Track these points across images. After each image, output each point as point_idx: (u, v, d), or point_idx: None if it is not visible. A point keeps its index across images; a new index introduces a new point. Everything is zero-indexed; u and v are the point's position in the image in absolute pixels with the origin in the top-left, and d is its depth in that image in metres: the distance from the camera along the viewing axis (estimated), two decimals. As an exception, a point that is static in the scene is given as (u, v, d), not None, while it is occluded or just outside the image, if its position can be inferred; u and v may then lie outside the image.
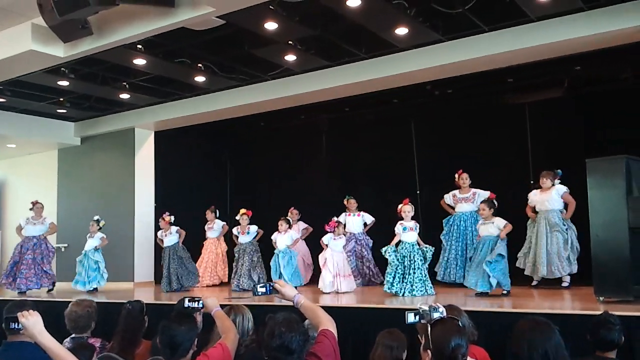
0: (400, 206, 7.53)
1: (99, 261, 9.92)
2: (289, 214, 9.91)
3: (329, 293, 7.77)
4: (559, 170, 7.58)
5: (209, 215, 10.53)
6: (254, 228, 9.37)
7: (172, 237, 9.70)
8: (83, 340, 4.33)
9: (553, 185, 7.48)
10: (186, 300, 3.78)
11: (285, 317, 2.94)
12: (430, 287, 7.12)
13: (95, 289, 9.75)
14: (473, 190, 8.38)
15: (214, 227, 10.45)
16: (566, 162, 8.38)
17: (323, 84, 9.21)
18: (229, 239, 10.12)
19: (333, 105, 10.35)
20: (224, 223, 10.53)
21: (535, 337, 3.00)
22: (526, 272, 7.55)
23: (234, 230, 9.43)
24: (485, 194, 8.06)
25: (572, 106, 9.37)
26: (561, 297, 6.66)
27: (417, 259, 7.14)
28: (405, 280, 7.07)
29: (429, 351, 2.63)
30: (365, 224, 9.16)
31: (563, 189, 7.40)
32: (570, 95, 9.38)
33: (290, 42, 8.17)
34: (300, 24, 7.57)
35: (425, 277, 7.12)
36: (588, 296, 5.76)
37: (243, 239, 9.30)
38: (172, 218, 9.76)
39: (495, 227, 6.79)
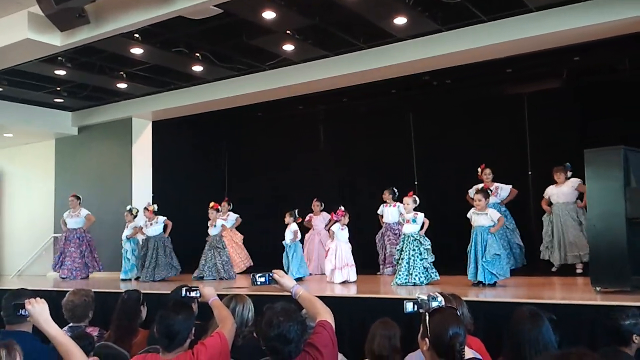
0: (404, 199, 7.66)
1: (128, 250, 10.00)
2: (313, 205, 10.01)
3: (334, 283, 7.78)
4: (567, 164, 7.85)
5: (224, 207, 10.56)
6: (219, 222, 9.54)
7: (157, 226, 9.65)
8: (81, 330, 4.33)
9: (567, 178, 7.82)
10: (183, 289, 3.77)
11: (283, 307, 2.94)
12: (434, 276, 7.21)
13: (138, 278, 9.78)
14: (496, 184, 8.44)
15: (228, 219, 10.48)
16: (564, 152, 8.40)
17: (321, 74, 9.18)
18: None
19: (331, 95, 10.33)
20: (238, 215, 10.65)
21: (525, 327, 3.02)
22: (553, 261, 7.89)
23: (209, 223, 9.56)
24: (507, 187, 8.21)
25: (571, 97, 9.37)
26: (559, 287, 6.69)
27: (410, 249, 7.27)
28: (403, 271, 7.22)
29: (426, 339, 2.63)
30: (400, 214, 9.14)
31: (577, 180, 7.70)
32: (568, 85, 9.39)
33: (288, 31, 8.13)
34: (298, 14, 7.53)
35: (422, 268, 7.20)
36: (585, 286, 5.78)
37: (210, 231, 9.47)
38: (156, 207, 9.78)
39: (488, 218, 6.80)
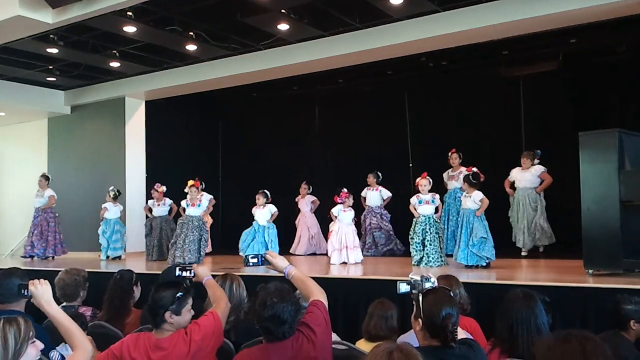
0: (417, 180, 7.64)
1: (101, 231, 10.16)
2: (301, 188, 10.09)
3: (334, 264, 7.78)
4: (538, 151, 8.01)
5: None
6: (206, 200, 8.88)
7: (164, 207, 9.82)
8: (74, 310, 4.32)
9: (533, 164, 7.96)
10: (177, 269, 3.76)
11: (277, 288, 2.94)
12: (444, 258, 7.23)
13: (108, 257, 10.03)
14: (461, 168, 8.58)
15: (202, 199, 10.27)
16: (559, 134, 8.40)
17: (316, 55, 9.10)
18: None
19: (326, 76, 10.27)
20: (212, 197, 10.38)
21: (518, 308, 3.04)
22: (518, 245, 7.95)
23: (183, 203, 8.90)
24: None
25: (567, 79, 9.35)
26: (550, 269, 6.72)
27: (431, 231, 7.26)
28: (423, 251, 7.22)
29: (420, 320, 2.64)
30: (383, 199, 9.24)
31: (541, 168, 7.95)
32: (564, 68, 9.34)
33: (283, 10, 8.03)
34: (293, -8, 7.46)
35: (438, 248, 7.24)
36: (577, 269, 5.80)
37: (192, 211, 8.74)
38: (164, 188, 9.82)
39: (472, 201, 6.82)
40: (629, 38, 8.49)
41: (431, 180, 7.60)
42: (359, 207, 9.18)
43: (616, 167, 5.40)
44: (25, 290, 2.86)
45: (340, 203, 8.07)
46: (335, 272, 7.12)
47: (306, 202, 10.18)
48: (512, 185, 8.15)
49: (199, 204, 8.75)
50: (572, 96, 9.25)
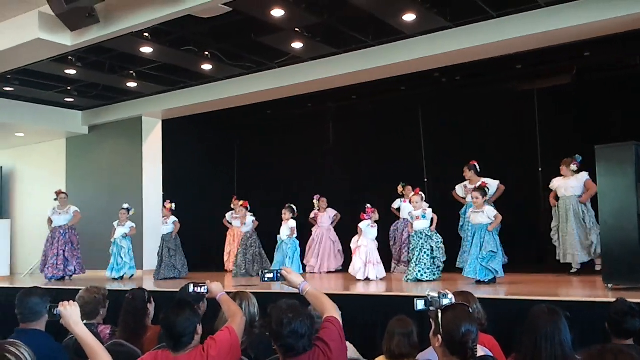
0: (410, 196, 7.78)
1: (123, 247, 10.11)
2: (316, 201, 10.04)
3: (360, 280, 7.82)
4: (577, 156, 7.61)
5: (237, 204, 10.39)
6: (250, 219, 9.55)
7: (167, 226, 9.94)
8: (94, 329, 4.35)
9: (574, 171, 7.54)
10: (191, 285, 3.78)
11: (289, 304, 2.96)
12: (437, 273, 7.32)
13: (122, 277, 9.96)
14: (483, 180, 8.37)
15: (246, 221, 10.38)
16: (574, 148, 8.33)
17: (330, 72, 9.17)
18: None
19: (340, 93, 10.32)
20: (254, 218, 10.35)
21: (542, 323, 3.00)
22: (562, 261, 7.60)
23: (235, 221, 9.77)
24: (495, 183, 8.12)
25: (581, 93, 9.31)
26: (570, 284, 6.65)
27: (420, 245, 7.39)
28: (412, 266, 7.37)
29: (439, 336, 2.63)
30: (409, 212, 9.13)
31: (586, 175, 7.46)
32: (579, 81, 9.31)
33: (297, 29, 8.12)
34: (307, 11, 7.53)
35: (429, 263, 7.33)
36: (597, 283, 5.75)
37: (243, 228, 9.56)
38: (174, 205, 9.91)
39: (485, 216, 6.82)
40: (643, 51, 8.47)
41: (423, 196, 7.73)
42: (384, 222, 9.11)
43: (633, 181, 5.38)
44: (56, 310, 2.99)
45: (368, 219, 8.08)
46: (361, 288, 7.11)
47: (329, 216, 10.10)
48: (555, 197, 7.73)
49: (245, 222, 9.55)
50: (587, 109, 9.21)
